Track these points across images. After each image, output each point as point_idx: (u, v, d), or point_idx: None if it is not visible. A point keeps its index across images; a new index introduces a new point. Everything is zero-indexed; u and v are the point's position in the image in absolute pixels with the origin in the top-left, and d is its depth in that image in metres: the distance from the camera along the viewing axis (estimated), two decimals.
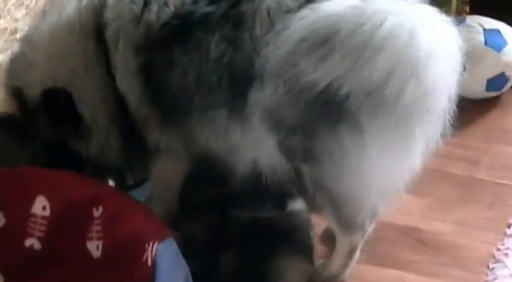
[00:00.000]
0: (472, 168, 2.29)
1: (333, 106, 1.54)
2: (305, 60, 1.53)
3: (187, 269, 1.62)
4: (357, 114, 1.56)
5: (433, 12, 1.58)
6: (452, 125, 2.13)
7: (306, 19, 1.57)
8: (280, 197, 1.91)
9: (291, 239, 1.88)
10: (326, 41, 1.52)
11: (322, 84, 1.52)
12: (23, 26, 2.06)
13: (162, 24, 1.74)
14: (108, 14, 1.80)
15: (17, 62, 1.92)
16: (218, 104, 1.71)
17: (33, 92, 1.87)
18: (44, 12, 1.95)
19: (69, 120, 1.86)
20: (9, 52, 2.01)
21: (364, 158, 1.62)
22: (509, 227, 2.10)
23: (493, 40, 2.43)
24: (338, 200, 1.74)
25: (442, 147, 2.26)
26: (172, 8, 1.74)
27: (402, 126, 1.59)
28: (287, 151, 1.70)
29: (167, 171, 1.91)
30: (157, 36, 1.74)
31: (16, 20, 2.05)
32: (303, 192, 1.86)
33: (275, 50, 1.58)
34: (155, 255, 1.61)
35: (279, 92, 1.59)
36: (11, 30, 2.04)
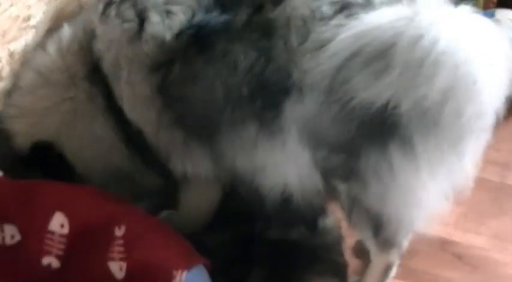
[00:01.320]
0: (504, 174, 2.13)
1: (385, 125, 1.39)
2: (358, 77, 1.35)
3: None
4: (410, 132, 1.40)
5: (481, 20, 1.41)
6: None
7: (352, 31, 1.38)
8: (311, 218, 1.71)
9: (322, 259, 1.73)
10: (381, 55, 1.35)
11: (378, 103, 1.35)
12: (37, 13, 1.89)
13: (177, 34, 1.52)
14: (99, 46, 1.59)
15: (7, 105, 1.73)
16: (248, 118, 1.52)
17: (21, 142, 1.68)
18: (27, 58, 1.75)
19: (59, 173, 1.67)
20: (22, 40, 1.85)
21: (416, 178, 1.47)
22: None
23: None
24: (381, 220, 1.57)
25: None
26: (182, 16, 1.53)
27: (457, 145, 1.45)
28: (326, 170, 1.52)
29: (199, 201, 1.73)
30: (175, 48, 1.52)
31: (29, 7, 1.87)
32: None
33: (319, 65, 1.40)
34: None
35: (325, 110, 1.42)
36: (24, 18, 1.86)
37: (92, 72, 1.61)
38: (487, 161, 2.09)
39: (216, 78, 1.51)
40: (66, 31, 1.67)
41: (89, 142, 1.66)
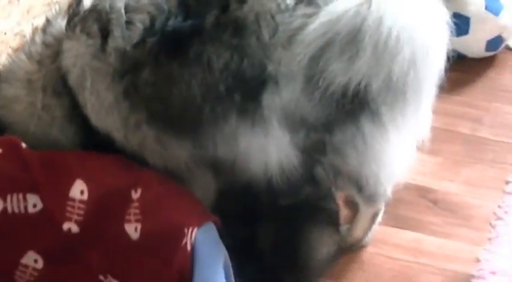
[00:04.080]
0: (476, 127, 2.17)
1: (357, 102, 1.45)
2: (335, 64, 1.40)
3: (226, 253, 1.47)
4: (378, 105, 1.47)
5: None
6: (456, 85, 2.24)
7: (321, 20, 1.41)
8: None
9: (319, 208, 1.74)
10: (351, 41, 1.39)
11: (353, 85, 1.40)
12: None
13: (136, 43, 1.51)
14: (67, 61, 1.58)
15: None
16: (229, 112, 1.52)
17: None
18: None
19: None
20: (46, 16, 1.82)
21: (386, 141, 1.54)
22: (507, 184, 1.99)
23: (492, 5, 2.32)
24: (362, 182, 1.63)
25: (449, 106, 2.19)
26: (140, 26, 1.52)
27: (418, 106, 1.52)
28: (305, 148, 1.55)
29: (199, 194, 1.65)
30: (138, 56, 1.51)
31: None
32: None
33: (295, 55, 1.43)
34: (194, 240, 1.45)
35: (305, 96, 1.46)
36: None
37: (52, 85, 1.59)
38: (461, 116, 2.18)
39: (191, 79, 1.50)
40: (38, 38, 1.64)
41: (43, 144, 1.63)
